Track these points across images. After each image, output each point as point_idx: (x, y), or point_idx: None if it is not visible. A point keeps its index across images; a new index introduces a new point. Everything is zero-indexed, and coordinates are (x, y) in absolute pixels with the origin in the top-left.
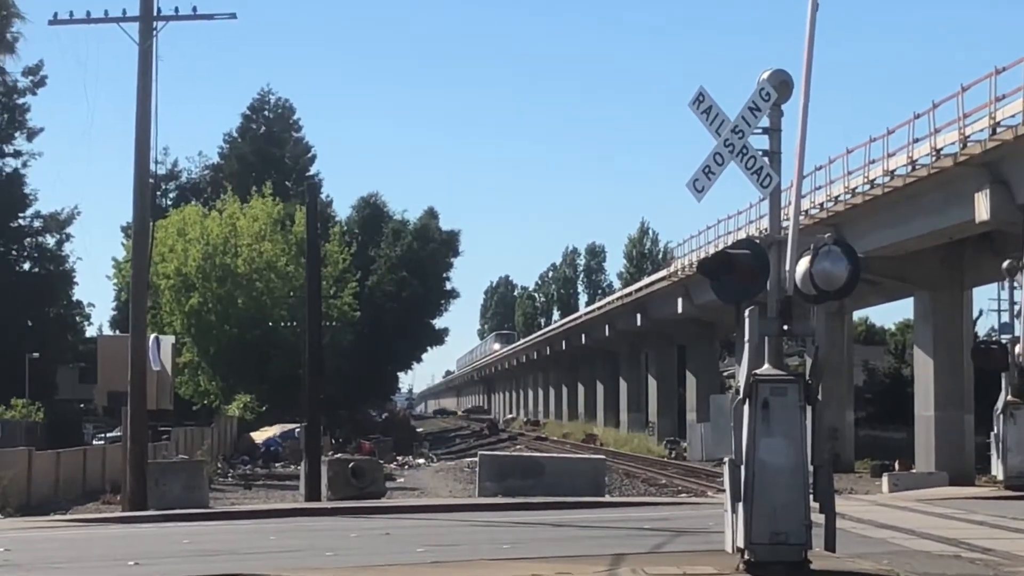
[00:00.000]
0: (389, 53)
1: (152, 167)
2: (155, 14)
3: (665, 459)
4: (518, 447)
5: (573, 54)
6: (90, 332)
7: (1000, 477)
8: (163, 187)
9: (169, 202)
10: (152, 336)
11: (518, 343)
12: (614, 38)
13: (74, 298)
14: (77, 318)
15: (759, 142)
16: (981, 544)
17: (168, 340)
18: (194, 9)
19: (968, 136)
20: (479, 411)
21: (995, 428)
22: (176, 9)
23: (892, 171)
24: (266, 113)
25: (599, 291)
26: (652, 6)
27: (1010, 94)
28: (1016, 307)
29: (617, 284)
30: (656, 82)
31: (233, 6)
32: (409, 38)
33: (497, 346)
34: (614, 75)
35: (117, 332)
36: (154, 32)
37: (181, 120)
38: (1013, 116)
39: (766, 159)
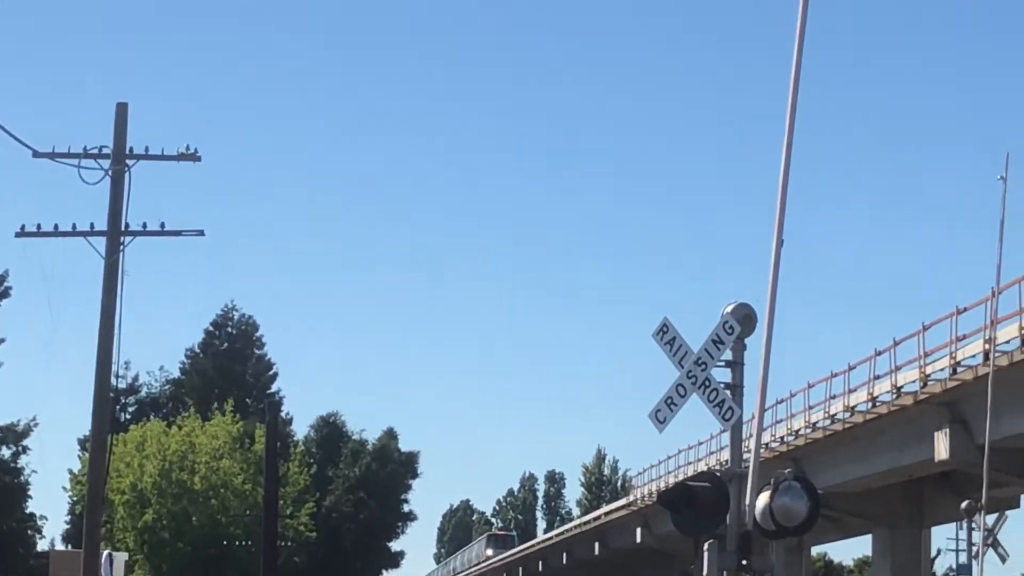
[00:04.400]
0: (353, 272)
1: (112, 381)
2: (123, 229)
3: None
4: None
5: (526, 273)
6: (42, 545)
7: None
8: (123, 401)
9: (128, 416)
10: (105, 553)
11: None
12: (569, 260)
13: (27, 511)
14: (29, 531)
15: (722, 375)
16: None
17: (121, 557)
18: (162, 225)
19: (929, 375)
20: None
21: None
22: (144, 224)
23: (853, 407)
24: (229, 329)
25: (558, 518)
26: (616, 235)
27: (970, 334)
28: (974, 548)
29: (576, 511)
30: (615, 307)
31: (201, 222)
32: (370, 262)
33: (490, 552)
34: (573, 298)
35: (69, 547)
36: (121, 247)
37: (144, 333)
38: (973, 356)
39: (728, 392)
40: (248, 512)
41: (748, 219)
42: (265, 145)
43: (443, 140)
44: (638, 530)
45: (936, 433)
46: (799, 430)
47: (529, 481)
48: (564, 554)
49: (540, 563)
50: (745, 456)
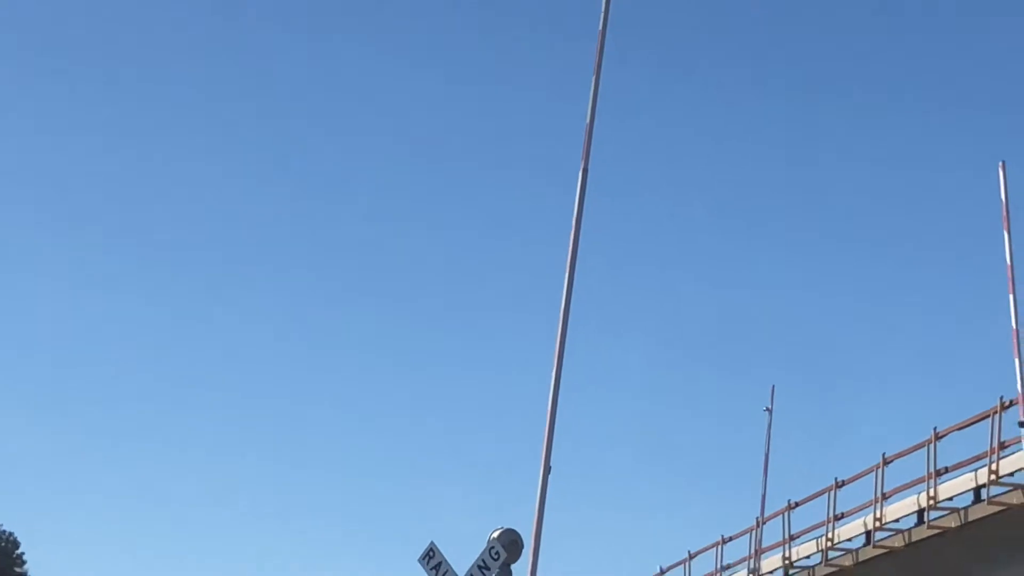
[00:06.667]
0: (121, 496)
1: None
2: None
3: None
4: None
5: (286, 495)
6: None
7: None
8: None
9: None
10: None
11: None
12: (333, 467)
13: None
14: None
15: None
16: None
17: None
18: None
19: None
20: None
21: None
22: None
23: None
24: None
25: None
26: (388, 450)
27: (735, 564)
28: None
29: None
30: (378, 526)
31: None
32: (143, 483)
33: None
34: (335, 513)
35: None
36: None
37: None
38: None
39: None
40: None
41: (517, 443)
42: (53, 356)
43: (220, 341)
44: None
45: None
46: None
47: None
48: None
49: None
50: None
